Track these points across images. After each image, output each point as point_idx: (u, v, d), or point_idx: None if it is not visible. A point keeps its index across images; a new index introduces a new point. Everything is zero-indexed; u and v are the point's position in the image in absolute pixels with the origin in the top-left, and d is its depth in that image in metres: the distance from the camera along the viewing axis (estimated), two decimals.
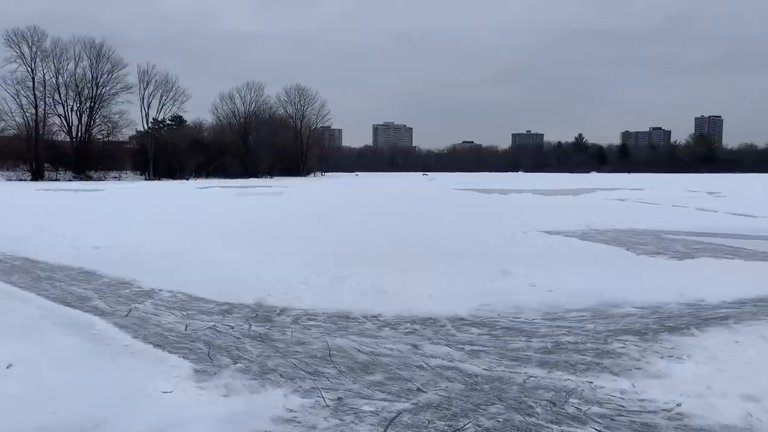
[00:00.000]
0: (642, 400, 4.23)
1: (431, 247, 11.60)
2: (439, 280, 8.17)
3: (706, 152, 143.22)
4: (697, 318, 6.48)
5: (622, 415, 3.95)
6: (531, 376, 4.68)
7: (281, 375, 4.75)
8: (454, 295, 7.30)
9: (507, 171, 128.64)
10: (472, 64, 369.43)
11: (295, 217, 18.90)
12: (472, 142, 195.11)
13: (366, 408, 4.07)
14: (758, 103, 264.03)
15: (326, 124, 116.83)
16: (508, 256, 10.18)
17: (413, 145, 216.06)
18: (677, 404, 4.10)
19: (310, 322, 6.41)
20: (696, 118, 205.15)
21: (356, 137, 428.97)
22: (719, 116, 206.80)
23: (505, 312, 6.75)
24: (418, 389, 4.42)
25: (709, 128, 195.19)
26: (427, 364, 5.02)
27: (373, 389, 4.42)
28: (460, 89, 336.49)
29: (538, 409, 4.02)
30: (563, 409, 4.04)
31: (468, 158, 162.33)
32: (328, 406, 4.13)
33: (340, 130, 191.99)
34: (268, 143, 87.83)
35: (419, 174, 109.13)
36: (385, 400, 4.21)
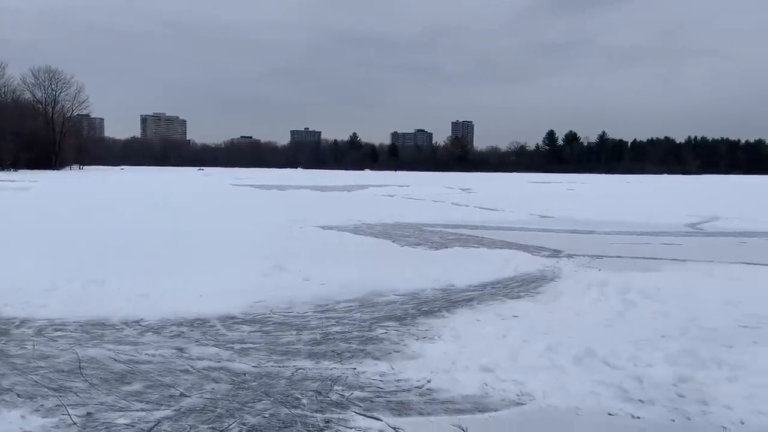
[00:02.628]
0: (399, 380, 4.57)
1: (204, 244, 11.16)
2: (211, 279, 7.89)
3: (460, 153, 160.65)
4: (448, 301, 7.23)
5: (381, 396, 4.23)
6: (299, 369, 4.76)
7: (18, 395, 4.15)
8: (227, 294, 7.11)
9: (286, 167, 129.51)
10: (249, 59, 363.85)
11: (44, 215, 16.70)
12: (251, 137, 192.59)
13: (120, 421, 3.75)
14: (501, 111, 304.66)
15: (84, 112, 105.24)
16: (283, 252, 10.24)
17: (187, 138, 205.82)
18: (428, 381, 4.52)
19: (57, 333, 5.70)
20: (453, 122, 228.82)
21: (122, 128, 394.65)
22: (471, 121, 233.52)
23: (278, 307, 6.78)
24: (182, 394, 4.21)
25: (463, 132, 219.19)
26: (192, 367, 4.81)
27: (129, 400, 4.09)
28: (237, 83, 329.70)
29: (304, 400, 4.11)
30: (328, 397, 4.19)
31: (246, 153, 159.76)
32: (75, 423, 3.72)
33: (101, 120, 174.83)
34: (11, 131, 76.02)
35: (194, 169, 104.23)
36: (143, 410, 3.93)
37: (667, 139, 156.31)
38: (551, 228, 16.32)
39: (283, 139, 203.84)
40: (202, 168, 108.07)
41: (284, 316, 6.49)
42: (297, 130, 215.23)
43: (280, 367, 4.82)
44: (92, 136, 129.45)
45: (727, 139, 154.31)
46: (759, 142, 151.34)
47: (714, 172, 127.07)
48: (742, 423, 3.83)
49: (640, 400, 4.15)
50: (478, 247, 11.76)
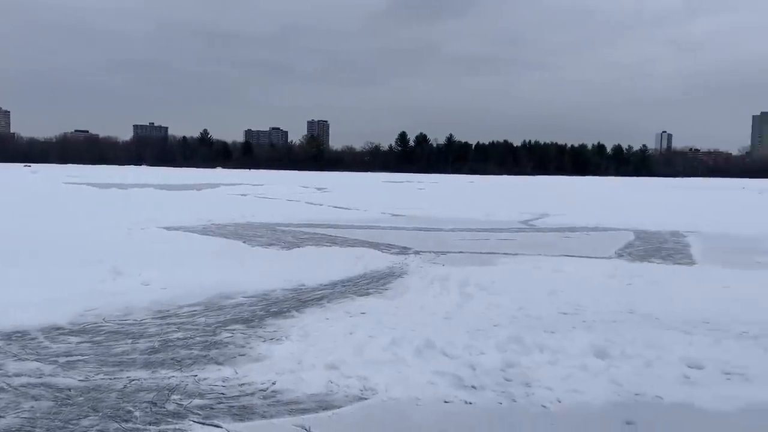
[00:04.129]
0: (242, 384, 4.47)
1: (30, 249, 10.05)
2: (36, 287, 7.14)
3: (316, 152, 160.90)
4: (298, 301, 7.20)
5: (222, 403, 4.10)
6: (133, 380, 4.47)
7: None
8: (53, 302, 6.47)
9: (129, 164, 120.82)
10: (85, 48, 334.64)
11: None
12: (87, 131, 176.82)
13: None
14: (356, 112, 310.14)
15: None
16: (121, 255, 9.54)
17: (12, 131, 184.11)
18: (272, 383, 4.46)
19: None
20: (308, 121, 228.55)
21: None
22: (326, 121, 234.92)
23: (112, 315, 6.30)
24: None
25: (319, 131, 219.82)
26: (8, 384, 4.32)
27: None
28: (71, 73, 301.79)
29: (137, 413, 3.86)
30: (164, 407, 3.97)
31: (82, 149, 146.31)
32: None
33: None
34: None
35: (20, 165, 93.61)
36: None
37: (506, 142, 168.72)
38: (402, 226, 16.91)
39: (125, 135, 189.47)
40: (29, 164, 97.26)
41: (119, 324, 6.05)
42: (141, 125, 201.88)
43: (111, 379, 4.49)
44: None
45: (556, 144, 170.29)
46: (582, 147, 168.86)
47: (545, 173, 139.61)
48: (560, 401, 4.24)
49: (472, 387, 4.44)
50: (330, 246, 11.85)
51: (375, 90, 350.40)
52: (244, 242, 12.37)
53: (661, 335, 5.59)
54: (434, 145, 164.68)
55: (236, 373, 4.68)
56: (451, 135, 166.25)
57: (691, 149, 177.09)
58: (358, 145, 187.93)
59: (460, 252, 11.68)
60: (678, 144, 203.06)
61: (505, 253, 11.49)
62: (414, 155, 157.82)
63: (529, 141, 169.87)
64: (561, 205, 27.32)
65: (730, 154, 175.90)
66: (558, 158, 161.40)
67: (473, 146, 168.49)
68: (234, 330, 5.90)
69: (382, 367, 4.71)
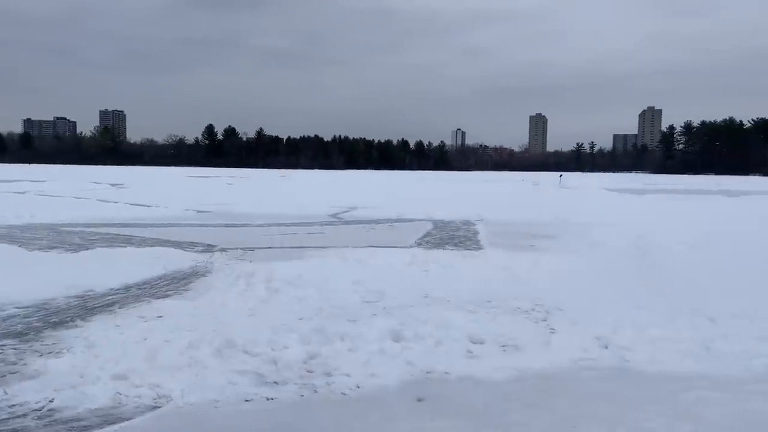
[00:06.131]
0: (13, 405, 3.94)
1: None
2: None
3: (111, 145, 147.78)
4: (84, 309, 6.54)
5: None
6: None
7: None
8: None
9: None
10: None
11: None
12: None
13: None
14: (157, 103, 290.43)
15: None
16: None
17: None
18: (50, 400, 4.00)
19: None
20: (101, 111, 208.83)
21: None
22: (122, 111, 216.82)
23: None
24: None
25: (114, 122, 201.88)
26: None
27: None
28: None
29: None
30: None
31: None
32: None
33: None
34: None
35: None
36: None
37: (317, 137, 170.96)
38: (208, 223, 16.26)
39: None
40: None
41: None
42: None
43: None
44: None
45: (365, 139, 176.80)
46: (388, 142, 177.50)
47: (355, 167, 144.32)
48: (359, 387, 4.41)
49: (275, 382, 4.42)
50: (125, 247, 10.95)
51: (178, 81, 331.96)
52: (19, 246, 10.88)
53: (450, 316, 6.09)
54: (244, 139, 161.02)
55: (5, 393, 4.11)
56: (261, 129, 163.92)
57: (481, 145, 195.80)
58: (161, 138, 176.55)
59: (269, 247, 11.57)
60: (471, 140, 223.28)
61: (313, 247, 11.63)
62: (223, 149, 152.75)
63: (340, 136, 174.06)
64: (368, 198, 28.43)
65: (513, 150, 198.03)
66: (367, 153, 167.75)
67: (284, 141, 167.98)
68: (4, 346, 5.18)
69: (177, 372, 4.47)
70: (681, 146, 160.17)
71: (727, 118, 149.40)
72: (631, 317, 6.09)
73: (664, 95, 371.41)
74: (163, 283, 8.00)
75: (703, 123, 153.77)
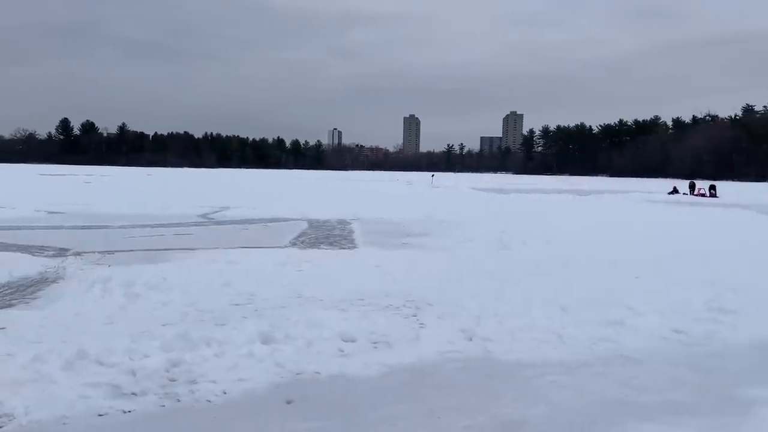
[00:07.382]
0: None
1: None
2: None
3: None
4: None
5: None
6: None
7: None
8: None
9: None
10: None
11: None
12: None
13: None
14: (1, 94, 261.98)
15: None
16: None
17: None
18: None
19: None
20: None
21: None
22: None
23: None
24: None
25: None
26: None
27: None
28: None
29: None
30: None
31: None
32: None
33: None
34: None
35: None
36: None
37: (186, 133, 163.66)
38: (61, 224, 14.94)
39: None
40: None
41: None
42: None
43: None
44: None
45: (239, 137, 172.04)
46: (263, 141, 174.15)
47: (228, 165, 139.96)
48: (225, 393, 4.24)
49: (132, 393, 4.14)
50: None
51: (26, 70, 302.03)
52: None
53: (322, 315, 6.06)
54: (104, 135, 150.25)
55: None
56: (124, 124, 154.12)
57: (357, 145, 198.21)
58: (7, 132, 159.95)
59: (130, 250, 10.85)
60: (347, 140, 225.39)
61: (180, 249, 11.07)
62: (80, 145, 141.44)
63: (211, 133, 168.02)
64: (241, 197, 27.66)
65: (388, 150, 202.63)
66: (241, 151, 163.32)
67: (150, 137, 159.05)
68: None
69: (20, 388, 4.04)
70: (540, 149, 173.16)
71: (579, 124, 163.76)
72: (493, 309, 6.43)
73: (526, 101, 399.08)
74: (7, 292, 7.23)
75: (558, 128, 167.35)
